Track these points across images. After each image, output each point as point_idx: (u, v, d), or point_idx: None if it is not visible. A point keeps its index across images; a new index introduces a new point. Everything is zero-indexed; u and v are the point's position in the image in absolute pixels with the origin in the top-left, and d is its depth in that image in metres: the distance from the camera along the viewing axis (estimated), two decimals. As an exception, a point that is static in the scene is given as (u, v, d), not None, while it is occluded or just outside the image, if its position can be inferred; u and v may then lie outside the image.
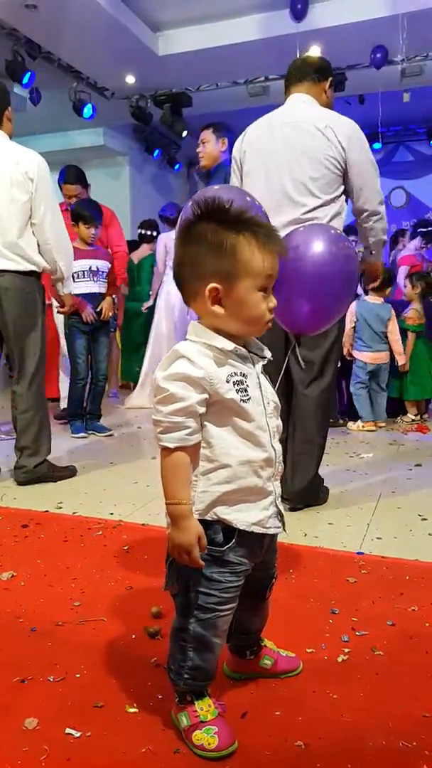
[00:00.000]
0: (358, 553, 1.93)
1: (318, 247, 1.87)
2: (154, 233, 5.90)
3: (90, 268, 3.91)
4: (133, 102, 6.89)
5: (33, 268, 2.74)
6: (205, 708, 1.08)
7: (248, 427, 1.06)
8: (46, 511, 2.40)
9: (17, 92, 6.02)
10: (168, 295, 5.11)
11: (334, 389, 3.83)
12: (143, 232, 6.01)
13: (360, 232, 2.41)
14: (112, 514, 2.35)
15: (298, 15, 5.31)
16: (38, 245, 2.74)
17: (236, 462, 1.05)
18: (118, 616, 1.53)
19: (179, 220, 1.51)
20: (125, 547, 1.99)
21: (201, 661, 1.07)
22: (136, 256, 5.94)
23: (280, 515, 1.12)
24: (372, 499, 2.53)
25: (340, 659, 1.33)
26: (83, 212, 3.87)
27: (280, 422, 1.14)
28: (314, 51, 5.63)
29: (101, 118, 6.83)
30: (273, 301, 1.07)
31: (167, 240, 5.07)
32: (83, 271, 3.89)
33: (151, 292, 5.52)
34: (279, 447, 1.12)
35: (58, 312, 3.19)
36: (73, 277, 3.78)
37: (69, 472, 2.93)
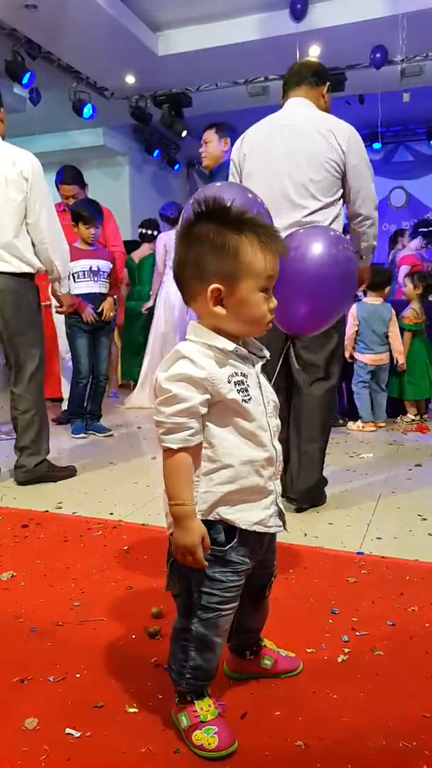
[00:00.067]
0: (358, 553, 1.93)
1: (318, 248, 1.87)
2: (155, 233, 5.86)
3: (90, 268, 3.90)
4: (133, 102, 6.89)
5: (28, 269, 2.73)
6: (205, 708, 1.08)
7: (249, 427, 1.06)
8: (46, 511, 2.41)
9: (17, 92, 6.02)
10: (168, 295, 5.10)
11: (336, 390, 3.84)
12: (144, 231, 5.98)
13: (352, 237, 2.42)
14: (112, 514, 2.35)
15: (298, 15, 5.30)
16: (33, 245, 2.74)
17: (238, 462, 1.05)
18: (118, 616, 1.53)
19: (180, 219, 1.51)
20: (125, 547, 1.99)
21: (203, 661, 1.07)
22: (137, 255, 5.92)
23: (281, 514, 1.13)
24: (372, 499, 2.53)
25: (340, 659, 1.33)
26: (83, 212, 3.86)
27: (279, 421, 1.14)
28: (314, 51, 5.63)
29: (101, 118, 6.83)
30: (274, 302, 1.08)
31: (167, 239, 5.05)
32: (83, 271, 3.88)
33: (151, 292, 5.51)
34: (279, 446, 1.12)
35: (56, 312, 3.18)
36: (73, 277, 3.77)
37: (69, 472, 2.93)
